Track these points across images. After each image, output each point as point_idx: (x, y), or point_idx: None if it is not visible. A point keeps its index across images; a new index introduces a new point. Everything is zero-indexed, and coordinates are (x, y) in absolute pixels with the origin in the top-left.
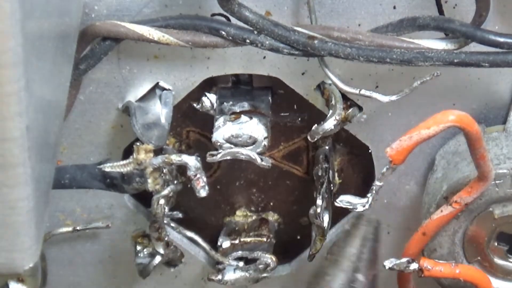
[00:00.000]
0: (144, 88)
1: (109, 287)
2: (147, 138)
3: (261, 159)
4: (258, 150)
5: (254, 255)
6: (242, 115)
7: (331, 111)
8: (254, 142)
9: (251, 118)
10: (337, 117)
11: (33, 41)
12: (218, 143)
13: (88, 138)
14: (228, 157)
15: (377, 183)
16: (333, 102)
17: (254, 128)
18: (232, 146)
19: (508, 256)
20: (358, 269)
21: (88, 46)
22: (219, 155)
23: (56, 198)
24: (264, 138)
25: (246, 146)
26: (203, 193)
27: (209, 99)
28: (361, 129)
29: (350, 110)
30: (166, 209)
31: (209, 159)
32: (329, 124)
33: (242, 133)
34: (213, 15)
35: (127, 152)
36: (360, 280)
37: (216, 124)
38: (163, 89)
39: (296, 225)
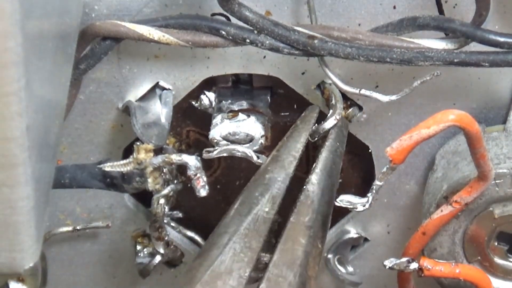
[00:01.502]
0: (144, 87)
1: (109, 287)
2: (147, 138)
3: (257, 157)
4: (255, 148)
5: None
6: (240, 113)
7: (331, 111)
8: (251, 140)
9: (248, 116)
10: (337, 117)
11: (33, 40)
12: (215, 140)
13: (88, 138)
14: (224, 154)
15: (377, 182)
16: (333, 101)
17: (252, 126)
18: (229, 143)
19: (508, 256)
20: (313, 170)
21: (88, 46)
22: (215, 152)
23: (56, 198)
24: (261, 136)
25: (243, 144)
26: (203, 192)
27: (208, 97)
28: (361, 129)
29: (350, 110)
30: (166, 208)
31: (205, 155)
32: (330, 123)
33: (239, 131)
34: (213, 14)
35: (127, 152)
36: (313, 182)
37: (214, 121)
38: (163, 88)
39: None
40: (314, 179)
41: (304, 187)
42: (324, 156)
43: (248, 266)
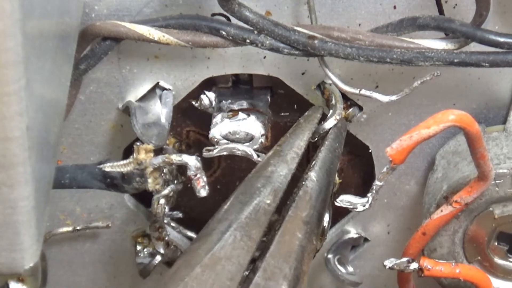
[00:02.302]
0: (144, 88)
1: (109, 287)
2: (147, 138)
3: (258, 155)
4: (255, 146)
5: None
6: (240, 113)
7: (331, 111)
8: (251, 139)
9: (248, 115)
10: (337, 117)
11: (33, 40)
12: (215, 139)
13: (88, 138)
14: (225, 153)
15: (377, 182)
16: (333, 101)
17: (252, 125)
18: (229, 142)
19: (508, 256)
20: (312, 167)
21: (88, 46)
22: (215, 151)
23: (56, 198)
24: (261, 135)
25: (244, 143)
26: (203, 193)
27: (208, 97)
28: (361, 129)
29: (350, 110)
30: (167, 208)
31: (205, 154)
32: (330, 123)
33: (240, 130)
34: (213, 15)
35: (127, 152)
36: (312, 179)
37: (214, 120)
38: (163, 89)
39: None
40: (313, 176)
41: (303, 183)
42: (323, 155)
43: (248, 254)
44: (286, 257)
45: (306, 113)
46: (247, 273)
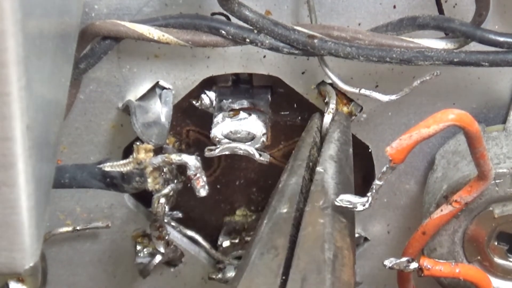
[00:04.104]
0: (144, 87)
1: (109, 287)
2: (147, 137)
3: (260, 155)
4: (256, 146)
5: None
6: (241, 112)
7: (326, 108)
8: (252, 138)
9: (250, 114)
10: (331, 111)
11: (34, 40)
12: (217, 139)
13: (88, 138)
14: (227, 152)
15: (377, 182)
16: (327, 99)
17: (253, 125)
18: (231, 141)
19: (508, 256)
20: (318, 162)
21: (88, 45)
22: (217, 150)
23: (56, 198)
24: (263, 134)
25: (245, 142)
26: (203, 192)
27: (208, 97)
28: (361, 128)
29: (351, 104)
30: (167, 208)
31: (207, 154)
32: (327, 120)
33: (241, 129)
34: (213, 14)
35: (127, 152)
36: (319, 171)
37: (215, 120)
38: (163, 88)
39: None
40: (320, 168)
41: (313, 178)
42: (326, 146)
43: (280, 262)
44: (315, 244)
45: (306, 126)
46: (284, 277)
